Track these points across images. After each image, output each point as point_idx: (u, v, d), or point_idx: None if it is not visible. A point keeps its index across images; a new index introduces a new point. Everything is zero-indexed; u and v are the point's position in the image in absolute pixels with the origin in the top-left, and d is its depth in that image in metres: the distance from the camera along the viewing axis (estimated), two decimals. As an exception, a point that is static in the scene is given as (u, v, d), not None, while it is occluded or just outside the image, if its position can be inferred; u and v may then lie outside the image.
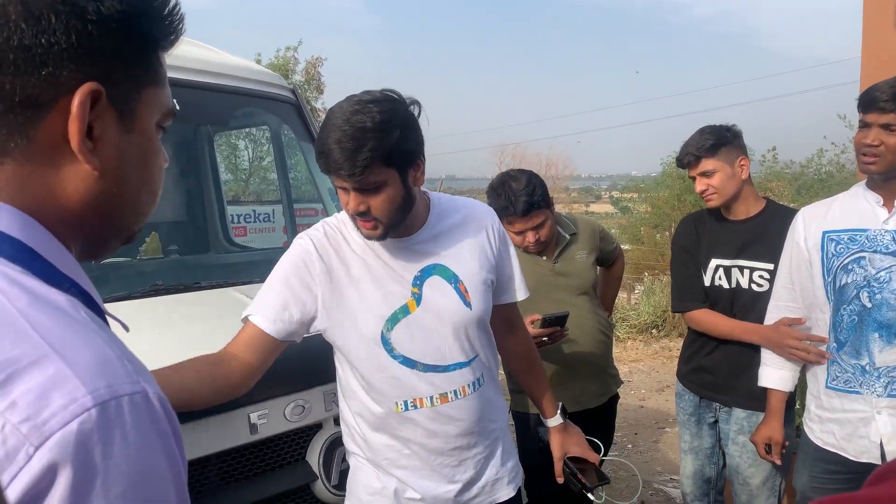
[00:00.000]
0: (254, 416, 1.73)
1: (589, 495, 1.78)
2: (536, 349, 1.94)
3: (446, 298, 1.59)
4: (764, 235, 2.41)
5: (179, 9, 0.67)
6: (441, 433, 1.60)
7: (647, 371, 7.14)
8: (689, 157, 2.46)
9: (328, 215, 1.71)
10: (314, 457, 1.87)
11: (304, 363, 1.81)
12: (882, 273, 1.96)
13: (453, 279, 1.61)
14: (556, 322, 2.39)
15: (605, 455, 2.92)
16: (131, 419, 0.51)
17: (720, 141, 2.42)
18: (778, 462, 2.29)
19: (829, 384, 2.09)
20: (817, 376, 2.14)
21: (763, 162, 12.35)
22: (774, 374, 2.27)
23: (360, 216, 1.49)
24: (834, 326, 2.07)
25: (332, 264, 1.57)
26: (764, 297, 2.36)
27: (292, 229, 3.08)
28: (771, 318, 2.27)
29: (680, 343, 5.00)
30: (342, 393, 1.69)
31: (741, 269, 2.45)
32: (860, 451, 2.01)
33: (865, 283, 1.99)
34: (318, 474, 1.86)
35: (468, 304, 1.61)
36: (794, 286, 2.19)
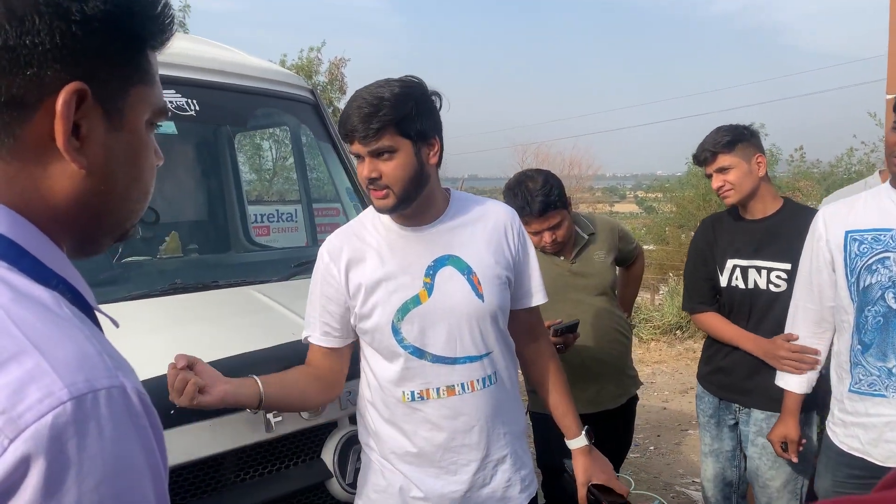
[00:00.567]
0: (270, 414, 1.74)
1: None
2: (560, 361, 1.88)
3: (459, 289, 1.60)
4: (781, 234, 2.38)
5: (169, 9, 0.67)
6: (447, 427, 1.60)
7: (670, 373, 7.06)
8: (705, 153, 2.46)
9: (346, 215, 1.74)
10: (329, 455, 1.87)
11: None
12: None
13: (467, 270, 1.61)
14: (567, 331, 2.38)
15: (625, 457, 2.90)
16: (108, 413, 0.52)
17: (737, 137, 2.41)
18: (794, 459, 2.26)
19: (852, 387, 2.04)
20: (842, 379, 2.10)
21: (790, 161, 12.18)
22: (793, 377, 2.23)
23: (371, 184, 1.54)
24: (858, 328, 2.03)
25: (347, 262, 1.62)
26: (782, 298, 2.33)
27: (311, 229, 3.10)
28: (793, 319, 2.24)
29: (703, 344, 4.92)
30: (361, 384, 1.73)
31: (758, 269, 2.42)
32: (886, 455, 1.96)
33: (891, 284, 1.94)
34: (333, 472, 1.86)
35: (480, 297, 1.61)
36: (814, 287, 2.15)
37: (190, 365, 1.44)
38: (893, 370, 1.95)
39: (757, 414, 2.46)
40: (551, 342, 1.92)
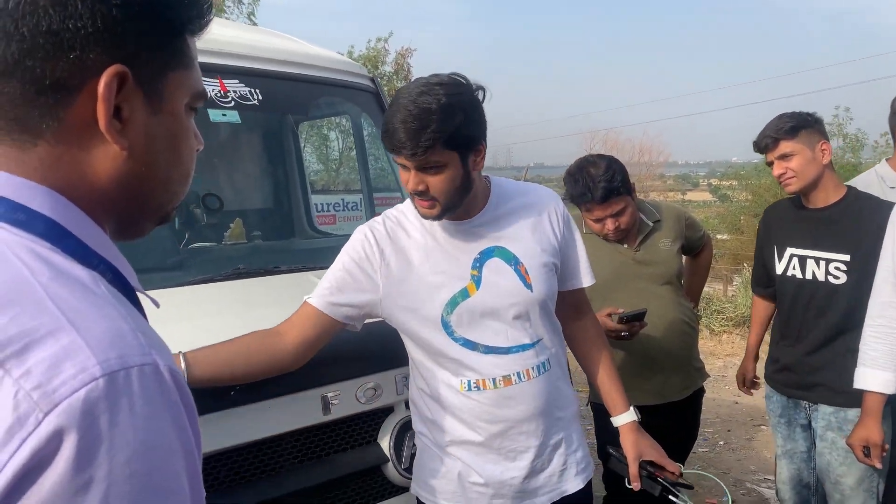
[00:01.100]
0: (327, 397, 1.77)
1: (673, 499, 1.63)
2: (605, 336, 1.88)
3: (507, 281, 1.58)
4: (841, 224, 2.29)
5: None
6: (505, 416, 1.59)
7: (742, 366, 6.81)
8: (766, 139, 2.37)
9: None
10: (385, 439, 1.89)
11: (377, 347, 1.82)
12: None
13: (514, 261, 1.59)
14: (633, 319, 2.32)
15: (690, 450, 2.81)
16: (140, 389, 0.53)
17: (800, 123, 2.32)
18: (878, 465, 2.13)
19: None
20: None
21: (876, 147, 11.51)
22: (877, 375, 2.10)
23: (418, 195, 1.51)
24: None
25: (391, 252, 1.60)
26: (842, 291, 2.27)
27: (371, 217, 3.11)
28: (873, 314, 2.11)
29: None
30: (411, 373, 1.71)
31: (817, 260, 2.34)
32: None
33: None
34: (388, 457, 1.87)
35: (529, 287, 1.59)
36: None
37: None
38: None
39: (824, 408, 2.36)
40: (596, 318, 1.88)
